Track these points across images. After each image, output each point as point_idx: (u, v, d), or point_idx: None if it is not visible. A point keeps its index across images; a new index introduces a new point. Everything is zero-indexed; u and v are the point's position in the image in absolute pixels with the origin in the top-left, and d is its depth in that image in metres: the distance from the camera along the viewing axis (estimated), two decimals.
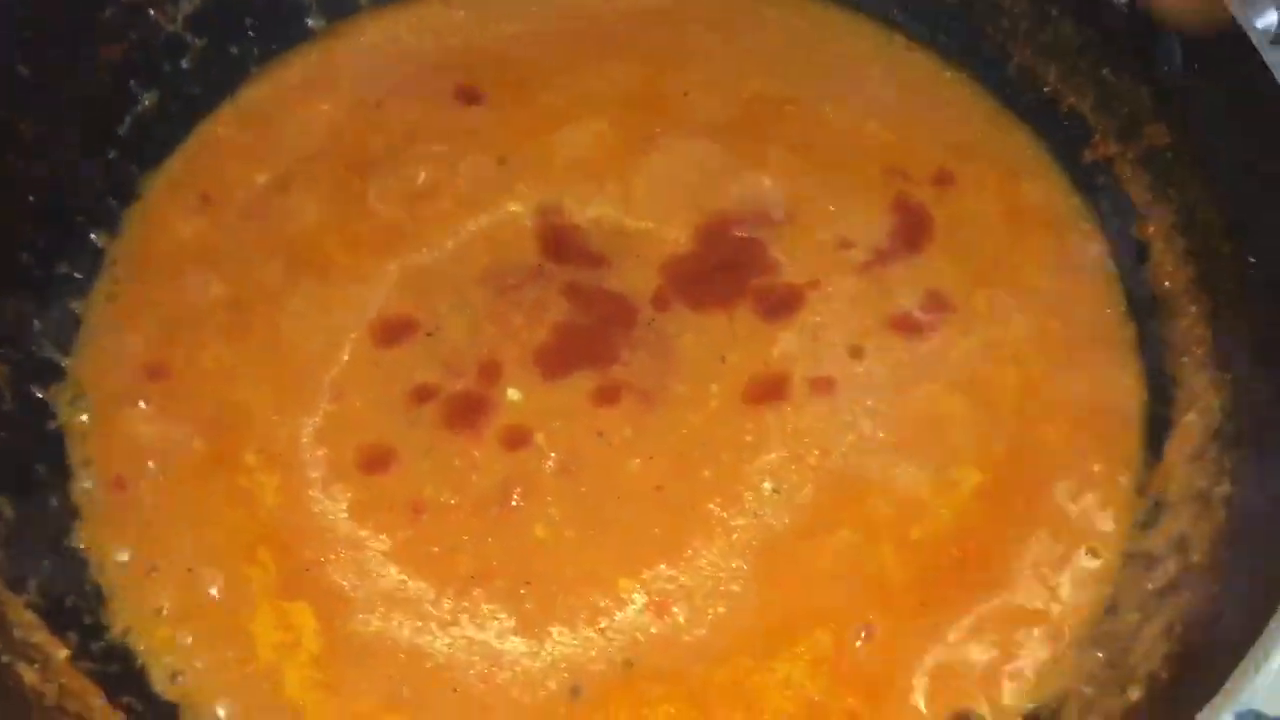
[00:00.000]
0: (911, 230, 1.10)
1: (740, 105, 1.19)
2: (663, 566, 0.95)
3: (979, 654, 0.92)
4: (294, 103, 1.20)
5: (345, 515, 0.99)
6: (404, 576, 0.96)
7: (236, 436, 1.02)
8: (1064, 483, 0.98)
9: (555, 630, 0.93)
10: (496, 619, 0.94)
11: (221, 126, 1.19)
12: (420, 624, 0.94)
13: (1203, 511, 0.91)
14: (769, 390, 1.02)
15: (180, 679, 0.93)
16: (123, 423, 1.03)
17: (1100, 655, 0.90)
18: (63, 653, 0.90)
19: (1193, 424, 0.97)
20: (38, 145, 1.08)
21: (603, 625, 0.93)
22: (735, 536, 0.96)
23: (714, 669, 0.92)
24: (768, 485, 0.98)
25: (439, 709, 0.91)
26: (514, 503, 0.98)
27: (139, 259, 1.12)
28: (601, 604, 0.94)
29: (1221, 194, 1.00)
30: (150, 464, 1.01)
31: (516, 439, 1.01)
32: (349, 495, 0.99)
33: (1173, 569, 0.90)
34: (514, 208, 1.12)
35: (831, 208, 1.11)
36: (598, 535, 0.97)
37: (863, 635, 0.93)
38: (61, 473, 1.00)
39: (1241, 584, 0.83)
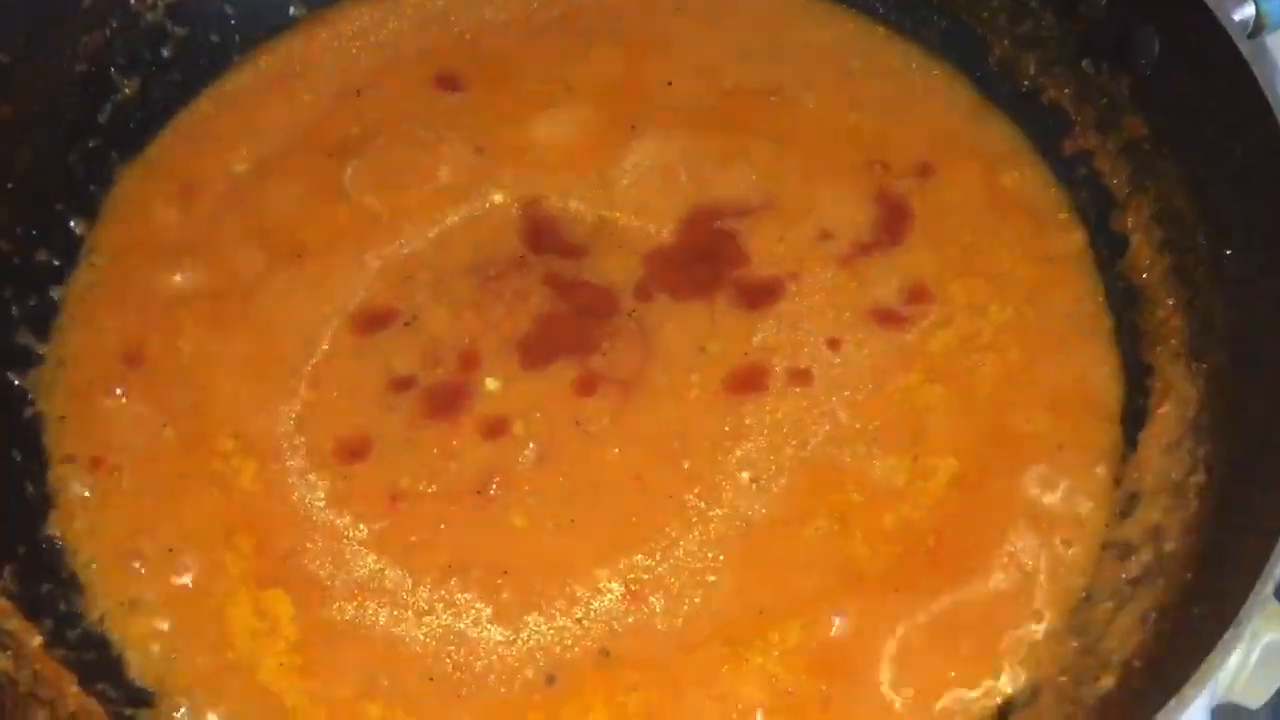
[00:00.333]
0: (892, 221, 1.10)
1: (722, 95, 1.19)
2: (640, 556, 0.95)
3: (953, 642, 0.93)
4: (275, 91, 1.20)
5: (323, 504, 0.98)
6: (381, 565, 0.96)
7: (214, 424, 1.02)
8: (1040, 472, 0.98)
9: (532, 619, 0.93)
10: (473, 608, 0.94)
11: (202, 114, 1.19)
12: (397, 612, 0.94)
13: (1177, 501, 0.92)
14: (748, 381, 1.02)
15: (156, 666, 0.93)
16: (99, 410, 1.03)
17: (1075, 644, 0.90)
18: (36, 640, 0.89)
19: (1168, 414, 0.97)
20: (17, 132, 1.07)
21: (579, 614, 0.93)
22: (712, 527, 0.96)
23: (689, 657, 0.92)
24: (745, 475, 0.98)
25: (415, 697, 0.91)
26: (492, 492, 0.98)
27: (118, 246, 1.11)
28: (578, 593, 0.94)
29: (1198, 186, 1.00)
30: (127, 452, 1.01)
31: (495, 428, 1.01)
32: (326, 484, 0.99)
33: (1147, 558, 0.90)
34: (496, 197, 1.12)
35: (813, 199, 1.11)
36: (575, 525, 0.96)
37: (836, 624, 0.93)
38: (37, 460, 1.00)
39: (1214, 574, 0.83)
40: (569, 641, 0.93)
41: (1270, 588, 0.76)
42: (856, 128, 1.16)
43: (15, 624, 0.89)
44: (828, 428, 1.00)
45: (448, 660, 0.92)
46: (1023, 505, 0.97)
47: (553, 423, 1.01)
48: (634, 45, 1.21)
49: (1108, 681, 0.85)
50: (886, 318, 1.05)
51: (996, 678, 0.91)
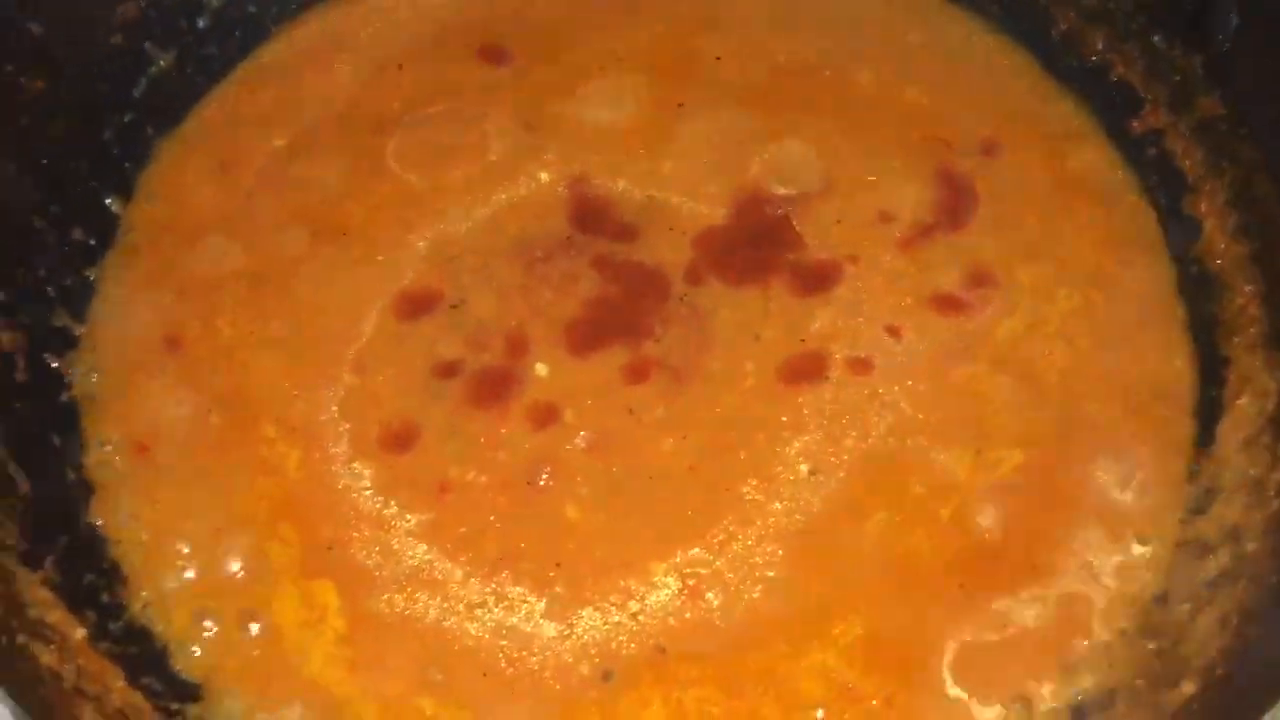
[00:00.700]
0: (955, 202, 1.06)
1: (772, 70, 1.15)
2: (696, 550, 0.93)
3: (1020, 642, 0.90)
4: (313, 64, 1.17)
5: (369, 492, 0.96)
6: (430, 557, 0.93)
7: (256, 409, 0.99)
8: (1111, 466, 0.95)
9: (585, 613, 0.91)
10: (525, 602, 0.91)
11: (239, 88, 1.16)
12: (447, 605, 0.91)
13: (1257, 500, 0.88)
14: (805, 369, 0.99)
15: (202, 659, 0.91)
16: (138, 394, 1.00)
17: (1151, 647, 0.87)
18: (80, 632, 0.87)
19: (1246, 408, 0.94)
20: (50, 106, 1.04)
21: (634, 609, 0.91)
22: (771, 520, 0.93)
23: (747, 654, 0.90)
24: (804, 467, 0.95)
25: (469, 693, 0.88)
26: (542, 482, 0.95)
27: (155, 225, 1.09)
28: (633, 588, 0.91)
29: (1278, 168, 0.96)
30: (169, 437, 0.98)
31: (545, 416, 0.98)
32: (371, 472, 0.96)
33: (1225, 559, 0.87)
34: (542, 176, 1.09)
35: (871, 178, 1.08)
36: (629, 517, 0.94)
37: (899, 620, 0.90)
38: (77, 445, 0.98)
39: None
40: (624, 637, 0.90)
41: None
42: (915, 103, 1.13)
43: (58, 616, 0.87)
44: (889, 419, 0.97)
45: (500, 655, 0.90)
46: (1092, 500, 0.94)
47: (604, 411, 0.98)
48: (681, 18, 1.18)
49: (1188, 688, 0.82)
50: (949, 304, 1.02)
51: (1066, 680, 0.88)
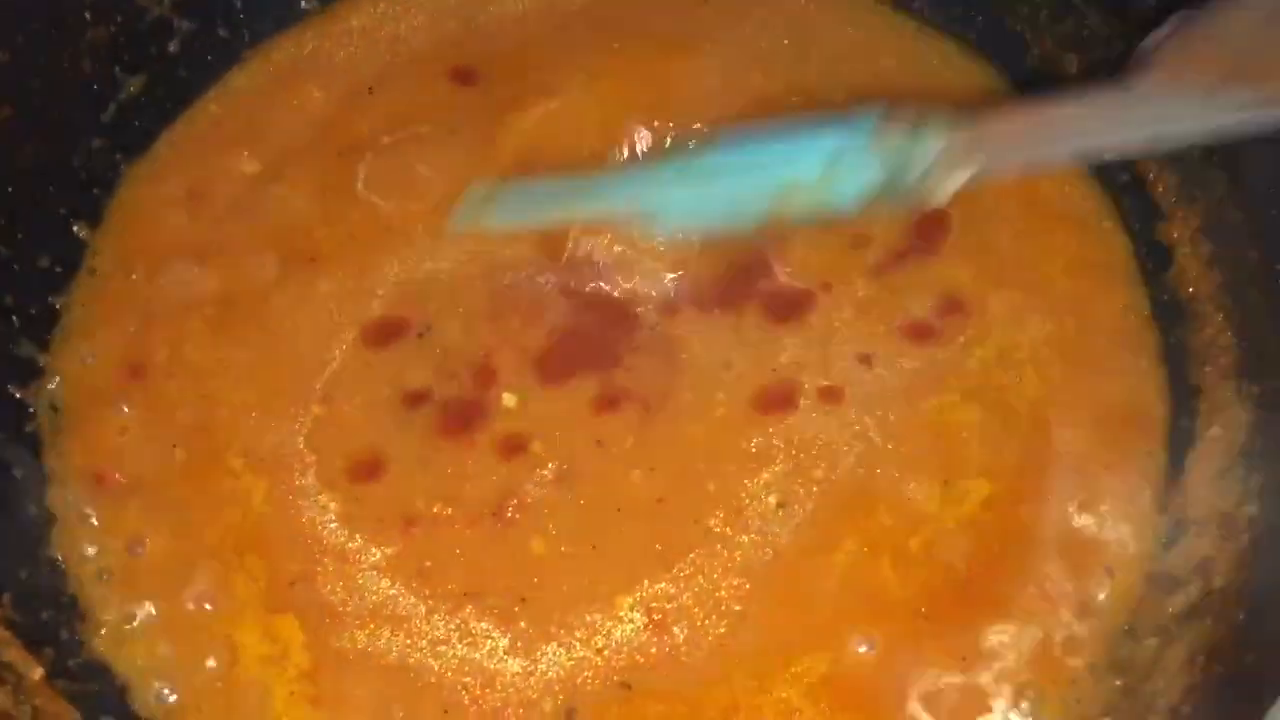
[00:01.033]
0: (928, 228, 1.05)
1: (747, 95, 1.14)
2: (663, 584, 0.92)
3: (986, 676, 0.89)
4: (284, 89, 1.16)
5: (334, 525, 0.95)
6: (394, 592, 0.92)
7: (222, 440, 0.98)
8: (1080, 496, 0.95)
9: (550, 649, 0.90)
10: (490, 637, 0.90)
11: (209, 114, 1.15)
12: (410, 641, 0.91)
13: (1227, 533, 0.88)
14: (776, 400, 0.98)
15: (162, 695, 0.90)
16: (103, 424, 0.99)
17: (1118, 683, 0.86)
18: (37, 672, 0.86)
19: (1217, 439, 0.93)
20: (17, 132, 1.03)
21: (599, 645, 0.90)
22: (738, 553, 0.93)
23: (712, 689, 0.89)
24: (772, 499, 0.95)
25: None
26: (509, 515, 0.94)
27: (123, 252, 1.08)
28: (599, 622, 0.91)
29: (1249, 198, 0.95)
30: (132, 468, 0.97)
31: (512, 447, 0.97)
32: (337, 505, 0.96)
33: (1194, 593, 0.87)
34: None
35: None
36: (596, 550, 0.93)
37: (864, 656, 0.90)
38: (39, 477, 0.97)
39: (1269, 616, 0.79)
40: (589, 673, 0.90)
41: None
42: None
43: (15, 654, 0.86)
44: (859, 449, 0.96)
45: (464, 692, 0.89)
46: (1060, 531, 0.94)
47: (572, 442, 0.97)
48: (655, 42, 1.16)
49: None
50: (921, 332, 1.01)
51: (1033, 714, 0.87)
